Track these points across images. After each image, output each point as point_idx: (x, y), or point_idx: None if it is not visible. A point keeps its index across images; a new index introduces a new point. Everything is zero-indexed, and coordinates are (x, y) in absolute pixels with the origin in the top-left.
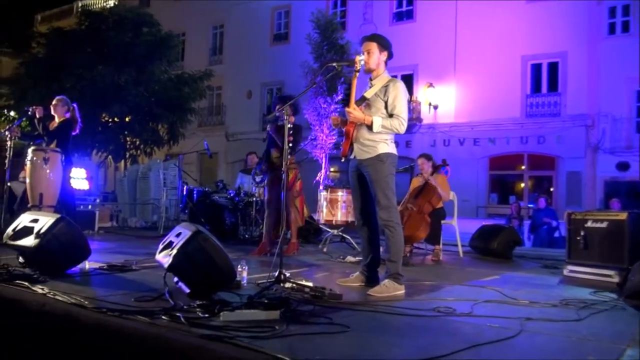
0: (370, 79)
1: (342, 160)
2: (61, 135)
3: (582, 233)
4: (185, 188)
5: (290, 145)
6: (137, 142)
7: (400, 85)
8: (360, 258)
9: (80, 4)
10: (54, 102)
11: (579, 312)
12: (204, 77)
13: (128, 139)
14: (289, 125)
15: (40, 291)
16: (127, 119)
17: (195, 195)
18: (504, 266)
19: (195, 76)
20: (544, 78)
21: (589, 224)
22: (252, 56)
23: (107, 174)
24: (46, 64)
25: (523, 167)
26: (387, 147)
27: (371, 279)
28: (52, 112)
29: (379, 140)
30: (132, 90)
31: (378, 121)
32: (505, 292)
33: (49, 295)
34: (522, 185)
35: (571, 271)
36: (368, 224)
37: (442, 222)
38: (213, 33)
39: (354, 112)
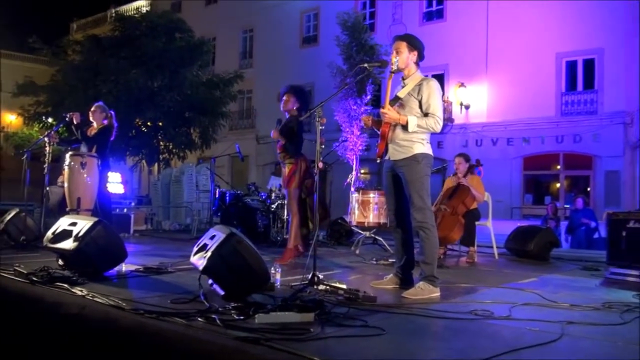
0: (403, 79)
1: (378, 161)
2: (101, 142)
3: (623, 234)
4: (217, 191)
5: (287, 141)
6: (170, 146)
7: (434, 84)
8: (393, 260)
9: (113, 11)
10: (92, 109)
11: (623, 316)
12: (234, 80)
13: (161, 143)
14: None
15: (79, 293)
16: (160, 124)
17: (227, 198)
18: (541, 268)
19: (226, 79)
20: (580, 75)
21: (631, 224)
22: (282, 59)
23: (141, 178)
24: (82, 71)
25: (559, 167)
26: (423, 147)
27: (405, 281)
28: (90, 118)
29: (416, 140)
30: (166, 95)
31: (413, 120)
32: (544, 295)
33: (88, 298)
34: (558, 185)
35: (612, 273)
36: (402, 226)
37: (477, 223)
38: (243, 37)
39: (389, 112)
